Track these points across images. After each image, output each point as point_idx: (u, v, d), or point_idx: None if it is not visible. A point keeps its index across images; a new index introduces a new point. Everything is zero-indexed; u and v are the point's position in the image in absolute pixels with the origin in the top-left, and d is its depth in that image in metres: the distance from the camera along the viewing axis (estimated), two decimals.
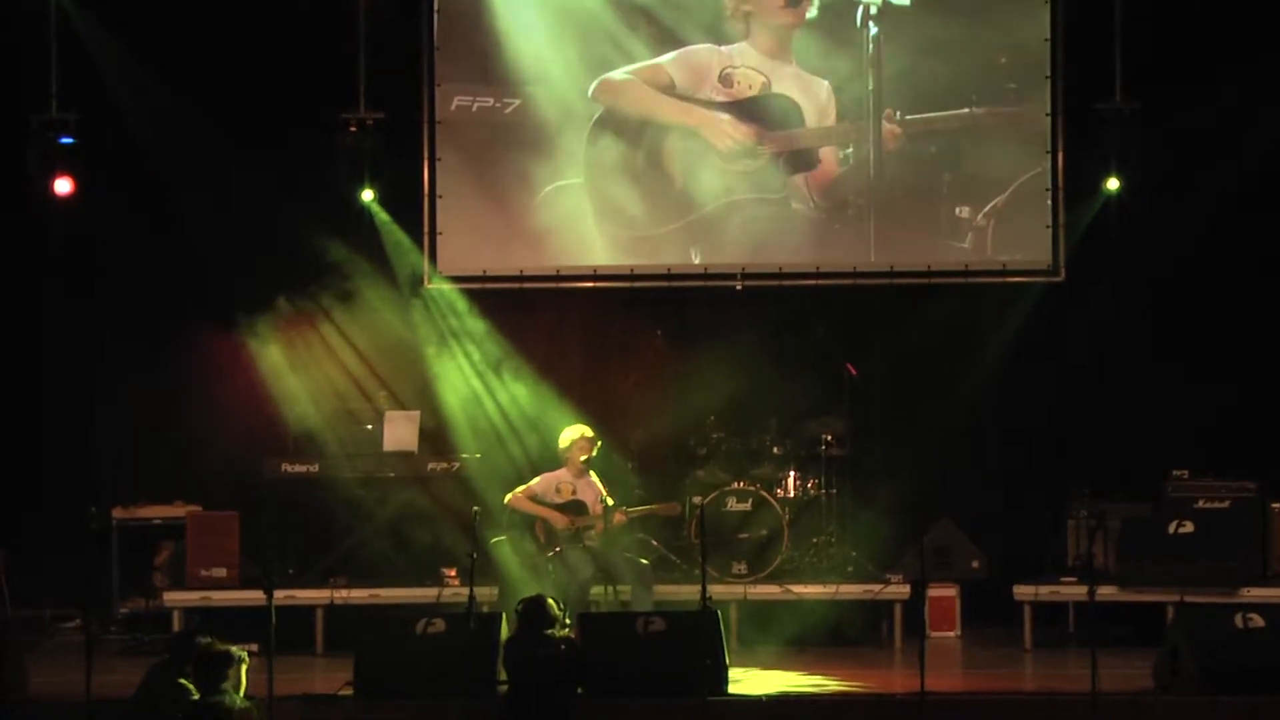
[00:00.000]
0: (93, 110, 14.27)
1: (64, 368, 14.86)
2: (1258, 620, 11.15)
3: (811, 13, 14.74)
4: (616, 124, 14.95)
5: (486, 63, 14.91)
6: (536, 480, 13.17)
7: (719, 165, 14.83)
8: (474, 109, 14.92)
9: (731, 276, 14.82)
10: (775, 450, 14.06)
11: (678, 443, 14.33)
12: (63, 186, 14.21)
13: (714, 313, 14.87)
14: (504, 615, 11.58)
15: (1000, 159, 14.73)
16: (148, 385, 14.69)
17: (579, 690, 10.93)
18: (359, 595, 13.42)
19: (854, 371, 14.09)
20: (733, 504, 13.68)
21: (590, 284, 14.98)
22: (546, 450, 13.65)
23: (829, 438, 14.01)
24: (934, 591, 13.40)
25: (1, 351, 14.84)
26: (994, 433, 14.66)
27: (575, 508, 12.96)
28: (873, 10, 14.72)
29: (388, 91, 14.60)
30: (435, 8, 14.87)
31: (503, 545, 13.00)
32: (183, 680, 9.52)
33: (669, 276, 14.90)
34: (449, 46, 14.92)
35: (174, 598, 13.56)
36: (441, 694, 10.81)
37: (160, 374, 14.65)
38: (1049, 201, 14.67)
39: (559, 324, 14.96)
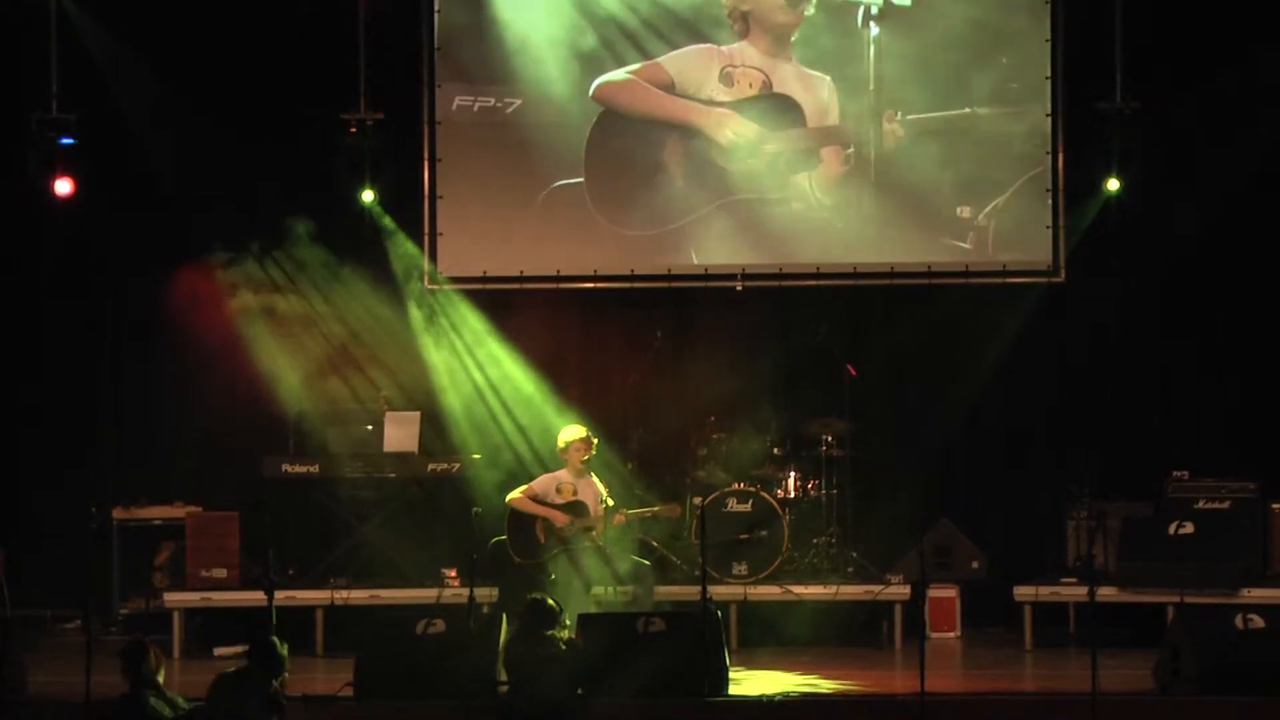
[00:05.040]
0: (93, 110, 14.28)
1: (64, 368, 14.87)
2: (1258, 621, 11.12)
3: (809, 10, 14.75)
4: (617, 124, 14.94)
5: (487, 63, 14.91)
6: (537, 480, 13.17)
7: (720, 165, 14.83)
8: (475, 109, 14.92)
9: (731, 277, 14.82)
10: (776, 451, 14.05)
11: (678, 443, 14.33)
12: (63, 187, 14.23)
13: (714, 313, 14.87)
14: (504, 615, 11.59)
15: (1001, 159, 14.72)
16: (148, 385, 14.70)
17: (579, 690, 10.93)
18: (359, 596, 13.42)
19: (854, 372, 14.08)
20: (733, 505, 13.68)
21: (590, 284, 14.98)
22: (547, 451, 13.65)
23: (829, 438, 14.00)
24: (934, 592, 13.39)
25: (2, 351, 14.85)
26: (994, 433, 14.67)
27: (576, 508, 12.95)
28: (874, 10, 14.71)
29: (388, 92, 14.61)
30: (435, 8, 14.87)
31: (503, 546, 13.00)
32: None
33: (669, 277, 14.90)
34: (450, 47, 14.92)
35: (174, 598, 13.56)
36: (441, 694, 10.79)
37: (160, 374, 14.66)
38: (1049, 201, 14.66)
39: (559, 324, 14.95)
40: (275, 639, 9.61)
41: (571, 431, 13.16)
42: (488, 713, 10.63)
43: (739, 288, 14.82)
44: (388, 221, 14.80)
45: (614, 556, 12.94)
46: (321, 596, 13.47)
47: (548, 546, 12.90)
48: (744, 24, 14.84)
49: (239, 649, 12.92)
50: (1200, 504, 13.63)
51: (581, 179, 14.91)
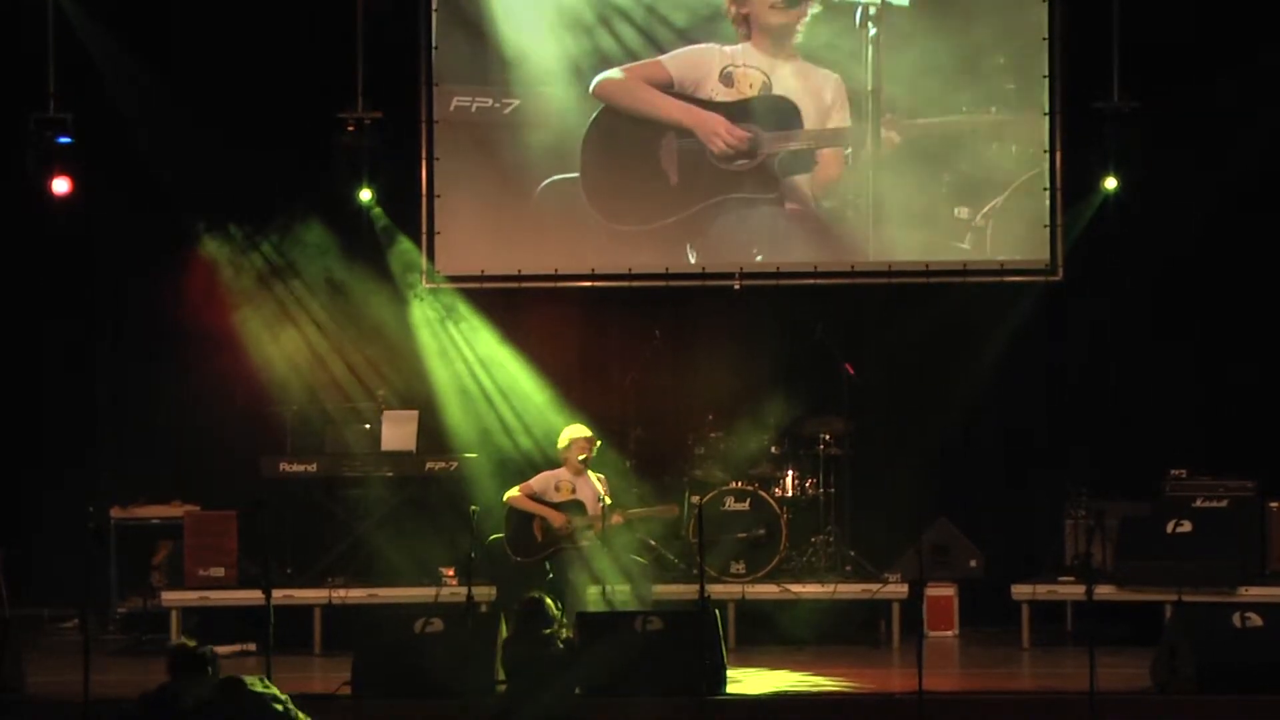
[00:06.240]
0: (90, 109, 14.28)
1: (63, 367, 14.88)
2: (1256, 619, 11.13)
3: (815, 8, 14.74)
4: (615, 121, 14.94)
5: (486, 63, 14.92)
6: (535, 479, 13.16)
7: (715, 165, 14.83)
8: (473, 109, 14.93)
9: (730, 276, 14.82)
10: (773, 450, 14.05)
11: (676, 442, 14.32)
12: (60, 186, 14.22)
13: (712, 312, 14.87)
14: (502, 615, 11.59)
15: (999, 159, 14.73)
16: (146, 385, 14.70)
17: (577, 690, 10.94)
18: (357, 595, 13.42)
19: (852, 371, 14.08)
20: (731, 503, 13.69)
21: (588, 283, 14.98)
22: (545, 450, 13.65)
23: (827, 437, 14.01)
24: (932, 591, 13.38)
25: (1, 351, 14.85)
26: (992, 432, 14.67)
27: (574, 507, 12.95)
28: (871, 11, 14.72)
29: (386, 91, 14.60)
30: (433, 7, 14.88)
31: (501, 544, 13.00)
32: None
33: (667, 276, 14.90)
34: (448, 46, 14.93)
35: (172, 597, 13.56)
36: (439, 694, 10.79)
37: (159, 373, 14.65)
38: (1047, 201, 14.67)
39: (557, 323, 14.95)
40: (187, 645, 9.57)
41: (574, 430, 13.15)
42: (485, 712, 10.63)
43: (737, 287, 14.83)
44: (385, 220, 14.81)
45: (612, 555, 12.93)
46: (319, 595, 13.47)
47: (545, 545, 12.89)
48: (746, 26, 14.85)
49: (237, 648, 12.94)
50: (1198, 503, 13.65)
51: (576, 174, 14.91)
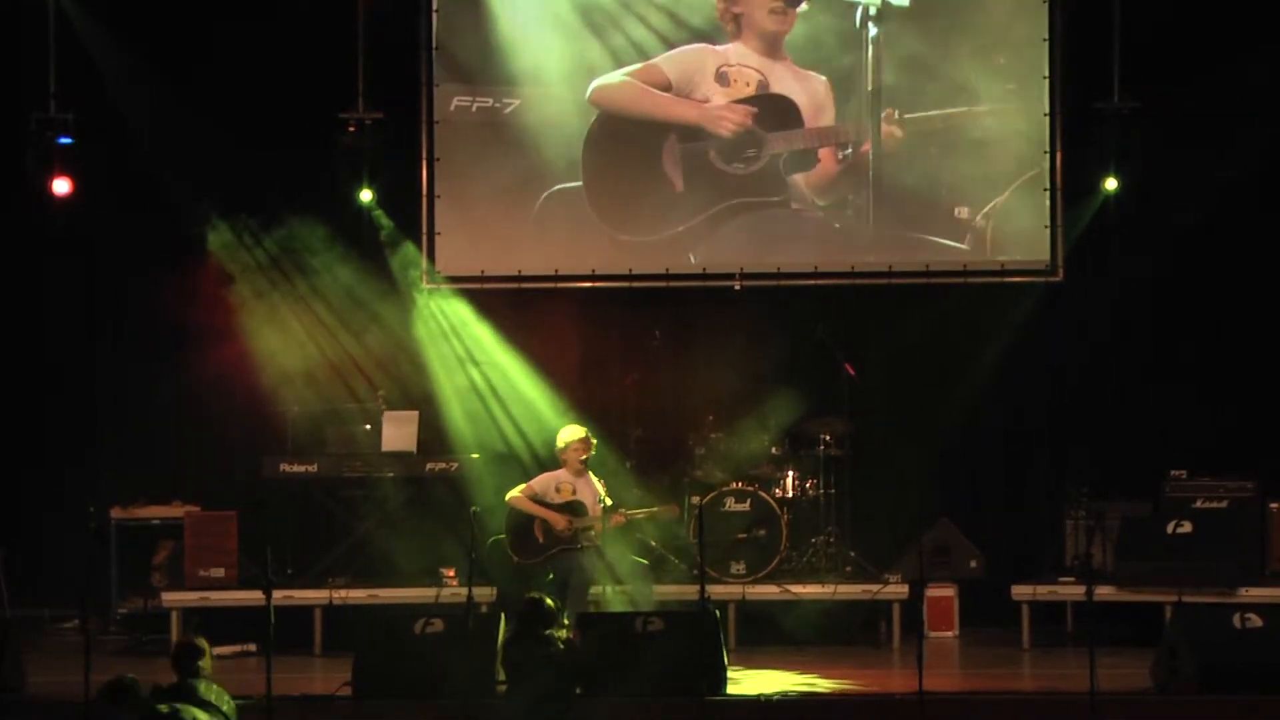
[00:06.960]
0: (91, 110, 14.28)
1: (63, 368, 14.88)
2: (1256, 620, 11.15)
3: (803, 7, 14.73)
4: (615, 127, 14.93)
5: (486, 63, 14.91)
6: (536, 480, 13.16)
7: (718, 168, 14.82)
8: (473, 109, 14.92)
9: (730, 276, 14.82)
10: (774, 450, 14.05)
11: (676, 443, 14.33)
12: (61, 186, 14.22)
13: (712, 313, 14.87)
14: (502, 615, 11.60)
15: (999, 159, 14.73)
16: (147, 385, 14.69)
17: (577, 690, 10.94)
18: (357, 595, 13.42)
19: (852, 371, 14.08)
20: (731, 504, 13.69)
21: (589, 284, 14.98)
22: (545, 450, 13.65)
23: (827, 438, 14.00)
24: (932, 591, 13.38)
25: (1, 351, 14.85)
26: (992, 432, 14.68)
27: (574, 508, 12.95)
28: (871, 11, 14.71)
29: (387, 91, 14.61)
30: (434, 7, 14.87)
31: (501, 545, 13.01)
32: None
33: (667, 277, 14.89)
34: (448, 46, 14.92)
35: (172, 598, 13.56)
36: (440, 694, 10.80)
37: (159, 374, 14.65)
38: (1047, 201, 14.67)
39: (558, 325, 14.94)
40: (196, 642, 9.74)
41: (570, 432, 13.16)
42: (486, 713, 10.63)
43: (737, 287, 14.83)
44: (386, 221, 14.81)
45: (612, 556, 12.94)
46: (320, 596, 13.47)
47: (546, 546, 12.89)
48: (735, 25, 14.83)
49: (237, 648, 12.95)
50: (1198, 503, 13.65)
51: (580, 183, 14.91)
